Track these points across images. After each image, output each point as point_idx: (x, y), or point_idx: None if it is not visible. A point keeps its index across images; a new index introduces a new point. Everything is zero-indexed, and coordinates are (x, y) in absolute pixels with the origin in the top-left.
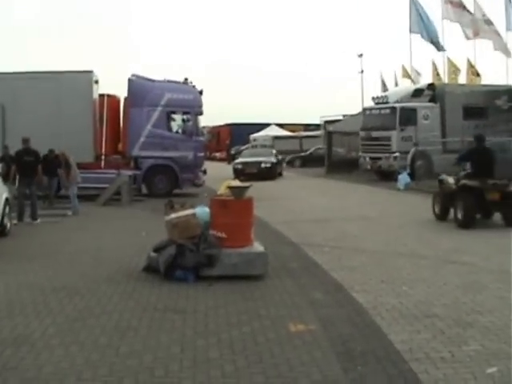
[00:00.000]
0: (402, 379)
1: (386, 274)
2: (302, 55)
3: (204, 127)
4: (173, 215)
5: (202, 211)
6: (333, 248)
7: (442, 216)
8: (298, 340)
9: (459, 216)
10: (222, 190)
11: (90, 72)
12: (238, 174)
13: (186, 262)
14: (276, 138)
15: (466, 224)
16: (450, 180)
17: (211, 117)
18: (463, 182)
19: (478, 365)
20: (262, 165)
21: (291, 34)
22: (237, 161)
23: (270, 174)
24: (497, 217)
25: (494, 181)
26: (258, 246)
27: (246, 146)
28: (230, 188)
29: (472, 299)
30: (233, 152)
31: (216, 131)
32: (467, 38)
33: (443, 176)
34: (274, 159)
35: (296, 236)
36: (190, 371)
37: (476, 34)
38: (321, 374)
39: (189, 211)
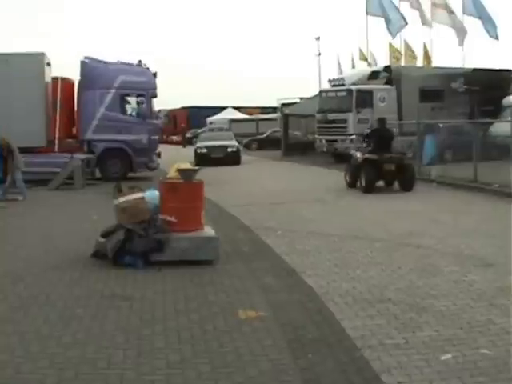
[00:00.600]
0: (353, 367)
1: (340, 258)
2: (260, 38)
3: (160, 110)
4: (121, 199)
5: (152, 195)
6: (286, 231)
7: (352, 184)
8: (247, 327)
9: (363, 183)
10: (171, 173)
11: (42, 54)
12: (202, 158)
13: (135, 248)
14: (233, 120)
15: (367, 190)
16: (358, 155)
17: (168, 100)
18: (366, 156)
19: (433, 351)
20: (229, 149)
21: (249, 18)
22: (199, 145)
23: (236, 158)
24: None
25: (390, 155)
26: (208, 231)
27: (203, 129)
28: (179, 171)
29: (427, 283)
30: (189, 135)
31: (173, 114)
32: (423, 22)
33: (352, 151)
34: (236, 143)
35: (250, 219)
36: (133, 362)
37: (432, 19)
38: (270, 363)
39: (138, 195)
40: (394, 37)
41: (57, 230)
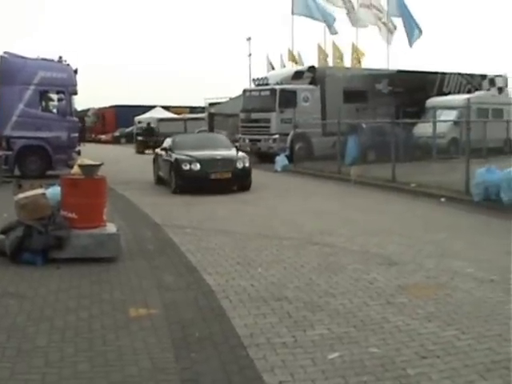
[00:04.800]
0: (236, 366)
1: (244, 256)
2: (192, 38)
3: (89, 109)
4: (21, 195)
5: (54, 191)
6: (195, 229)
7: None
8: (135, 326)
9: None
10: (74, 169)
11: None
12: (192, 180)
13: (34, 245)
14: (160, 120)
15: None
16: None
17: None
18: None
19: (321, 350)
20: (238, 164)
21: (179, 18)
22: (179, 156)
23: (246, 179)
24: None
25: None
26: (110, 227)
27: (131, 128)
28: (80, 166)
29: (327, 281)
30: (117, 134)
31: (101, 113)
32: (352, 24)
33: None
34: (241, 153)
35: (161, 217)
36: (10, 361)
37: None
38: (150, 362)
39: (38, 191)
40: (332, 33)
41: None
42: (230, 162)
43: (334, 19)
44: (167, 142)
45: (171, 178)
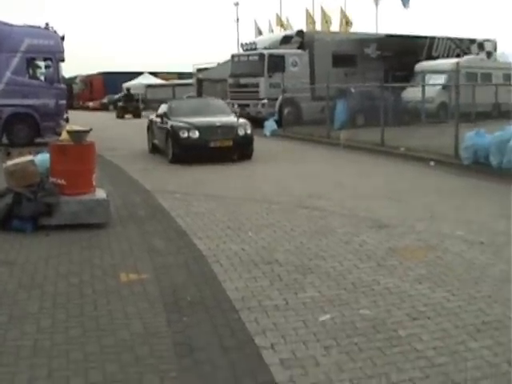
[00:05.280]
0: (227, 329)
1: (234, 220)
2: (179, 4)
3: (76, 76)
4: (9, 162)
5: (43, 157)
6: (185, 194)
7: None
8: (126, 290)
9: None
10: (63, 135)
11: None
12: (190, 148)
13: (23, 212)
14: (148, 86)
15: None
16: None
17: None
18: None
19: (312, 312)
20: (239, 131)
21: None
22: (176, 123)
23: (247, 148)
24: None
25: None
26: (100, 193)
27: (119, 95)
28: (69, 132)
29: (317, 244)
30: (105, 101)
31: (89, 80)
32: None
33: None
34: (242, 120)
35: (150, 183)
36: (2, 327)
37: None
38: (142, 326)
39: (26, 158)
40: None
41: None
42: (230, 129)
43: None
44: (162, 108)
45: (167, 147)
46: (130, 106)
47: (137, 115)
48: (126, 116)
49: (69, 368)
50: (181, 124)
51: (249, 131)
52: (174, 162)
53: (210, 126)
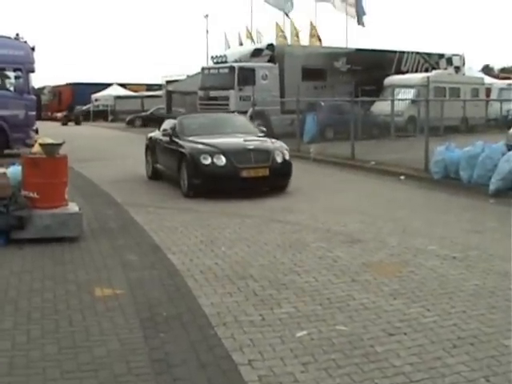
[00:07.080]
0: (205, 345)
1: (208, 234)
2: (150, 15)
3: (45, 87)
4: None
5: (15, 170)
6: (157, 208)
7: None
8: (101, 306)
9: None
10: (35, 147)
11: None
12: (217, 178)
13: None
14: (117, 97)
15: None
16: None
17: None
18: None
19: (289, 328)
20: (277, 157)
21: None
22: (192, 145)
23: (286, 178)
24: None
25: None
26: (72, 207)
27: (87, 106)
28: (42, 145)
29: (291, 259)
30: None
31: (57, 91)
32: None
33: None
34: (276, 141)
35: (123, 196)
36: None
37: None
38: (119, 343)
39: None
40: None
41: None
42: (265, 153)
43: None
44: (168, 125)
45: (181, 176)
46: (72, 115)
47: (77, 123)
48: (69, 123)
49: None
50: (200, 147)
51: (287, 157)
52: (192, 196)
53: (239, 149)
